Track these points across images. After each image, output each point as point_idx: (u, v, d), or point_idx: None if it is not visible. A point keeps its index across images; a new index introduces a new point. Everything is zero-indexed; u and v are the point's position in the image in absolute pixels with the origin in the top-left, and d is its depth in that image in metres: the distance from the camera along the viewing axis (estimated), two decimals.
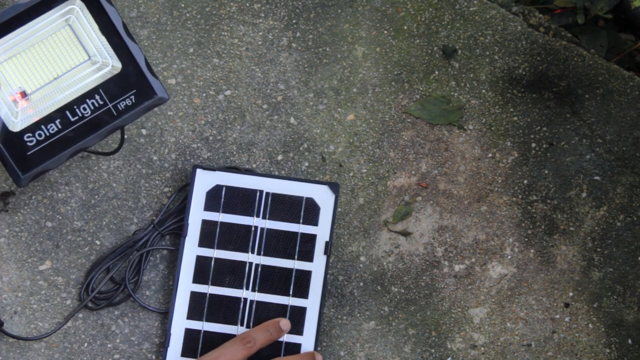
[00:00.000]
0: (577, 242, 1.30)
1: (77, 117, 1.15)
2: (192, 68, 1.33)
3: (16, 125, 1.14)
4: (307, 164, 1.32)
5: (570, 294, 1.29)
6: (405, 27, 1.37)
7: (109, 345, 1.24)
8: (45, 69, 1.14)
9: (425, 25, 1.37)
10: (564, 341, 1.27)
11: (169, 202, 1.27)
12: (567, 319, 1.28)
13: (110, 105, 1.15)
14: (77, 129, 1.15)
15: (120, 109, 1.15)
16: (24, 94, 1.14)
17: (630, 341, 1.27)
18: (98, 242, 1.27)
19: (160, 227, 1.25)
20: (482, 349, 1.26)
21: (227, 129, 1.32)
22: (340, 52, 1.35)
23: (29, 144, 1.14)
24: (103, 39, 1.14)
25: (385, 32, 1.36)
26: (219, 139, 1.31)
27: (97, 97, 1.15)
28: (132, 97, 1.15)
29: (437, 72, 1.35)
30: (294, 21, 1.35)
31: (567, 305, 1.28)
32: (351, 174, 1.31)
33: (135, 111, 1.15)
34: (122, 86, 1.15)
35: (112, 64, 1.15)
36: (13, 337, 1.21)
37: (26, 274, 1.25)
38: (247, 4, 1.35)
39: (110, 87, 1.15)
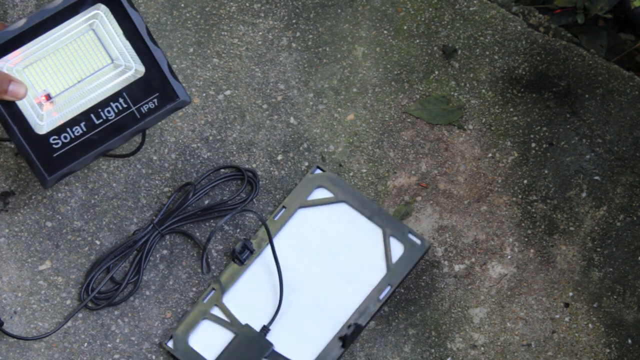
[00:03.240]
0: (577, 242, 1.30)
1: (101, 120, 1.17)
2: (192, 68, 1.33)
3: (42, 127, 1.16)
4: (307, 163, 1.32)
5: (570, 293, 1.29)
6: (405, 27, 1.37)
7: (109, 345, 1.24)
8: (69, 72, 1.17)
9: (425, 25, 1.37)
10: (563, 341, 1.27)
11: (168, 202, 1.27)
12: (567, 319, 1.28)
13: (133, 109, 1.18)
14: (102, 131, 1.17)
15: (144, 112, 1.18)
16: (48, 97, 1.16)
17: (630, 341, 1.27)
18: (98, 242, 1.27)
19: (160, 226, 1.25)
20: (482, 348, 1.26)
21: (227, 129, 1.32)
22: (340, 52, 1.35)
23: (54, 146, 1.16)
24: (127, 43, 1.17)
25: (385, 32, 1.36)
26: (219, 138, 1.31)
27: (121, 100, 1.17)
28: (155, 100, 1.18)
29: (437, 72, 1.35)
30: (293, 21, 1.36)
31: (567, 305, 1.28)
32: (351, 174, 1.31)
33: (158, 114, 1.18)
34: (146, 90, 1.18)
35: (135, 68, 1.17)
36: (13, 336, 1.21)
37: (26, 274, 1.25)
38: (247, 4, 1.36)
39: (134, 91, 1.17)
